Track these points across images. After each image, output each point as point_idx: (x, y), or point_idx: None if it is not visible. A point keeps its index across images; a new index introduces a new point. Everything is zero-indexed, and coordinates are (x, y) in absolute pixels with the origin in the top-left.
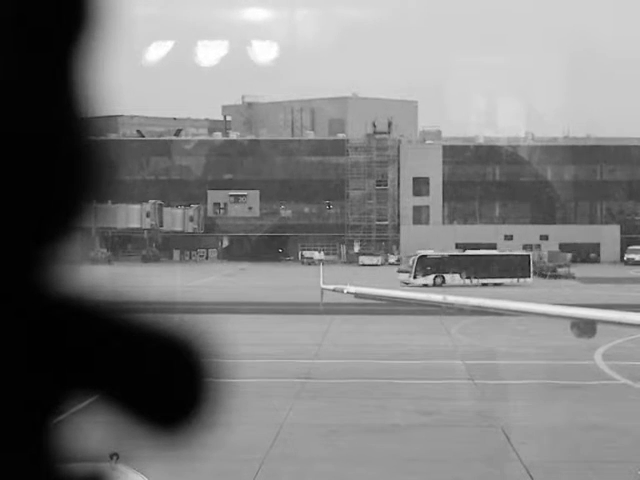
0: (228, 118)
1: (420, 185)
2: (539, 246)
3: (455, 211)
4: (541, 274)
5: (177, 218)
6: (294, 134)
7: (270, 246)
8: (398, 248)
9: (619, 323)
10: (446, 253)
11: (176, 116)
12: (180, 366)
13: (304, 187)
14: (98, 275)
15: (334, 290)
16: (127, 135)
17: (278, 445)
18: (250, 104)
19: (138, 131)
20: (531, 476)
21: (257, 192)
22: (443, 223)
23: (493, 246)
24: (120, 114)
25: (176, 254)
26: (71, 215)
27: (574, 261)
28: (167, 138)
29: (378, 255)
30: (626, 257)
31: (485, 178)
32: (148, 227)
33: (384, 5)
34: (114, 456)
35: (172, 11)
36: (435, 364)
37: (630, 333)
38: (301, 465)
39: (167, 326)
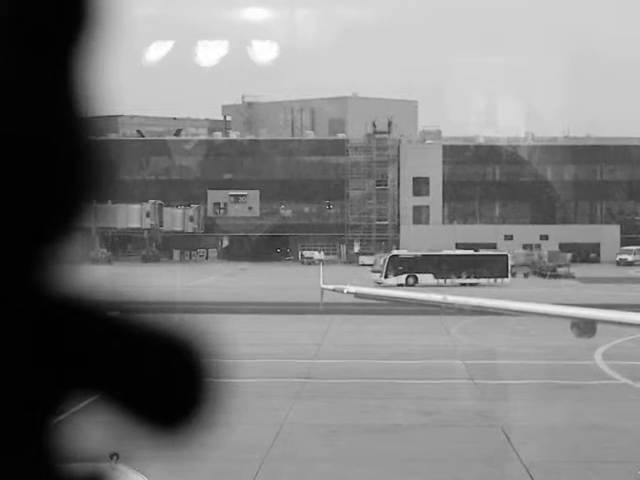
0: (228, 118)
1: (420, 185)
2: (539, 246)
3: (455, 211)
4: (541, 274)
5: (177, 218)
6: (294, 134)
7: (270, 246)
8: (398, 248)
9: (619, 323)
10: (419, 253)
11: (176, 116)
12: (180, 366)
13: (304, 187)
14: (98, 275)
15: (334, 290)
16: (127, 135)
17: (278, 445)
18: (250, 104)
19: (138, 131)
20: (531, 476)
21: (257, 192)
22: (443, 223)
23: (493, 246)
24: (120, 114)
25: (176, 254)
26: (71, 215)
27: (574, 261)
28: (167, 138)
29: None
30: (618, 258)
31: (485, 178)
32: (148, 227)
33: (384, 5)
34: (114, 456)
35: (172, 11)
36: (435, 364)
37: (630, 333)
38: (301, 465)
39: (167, 326)
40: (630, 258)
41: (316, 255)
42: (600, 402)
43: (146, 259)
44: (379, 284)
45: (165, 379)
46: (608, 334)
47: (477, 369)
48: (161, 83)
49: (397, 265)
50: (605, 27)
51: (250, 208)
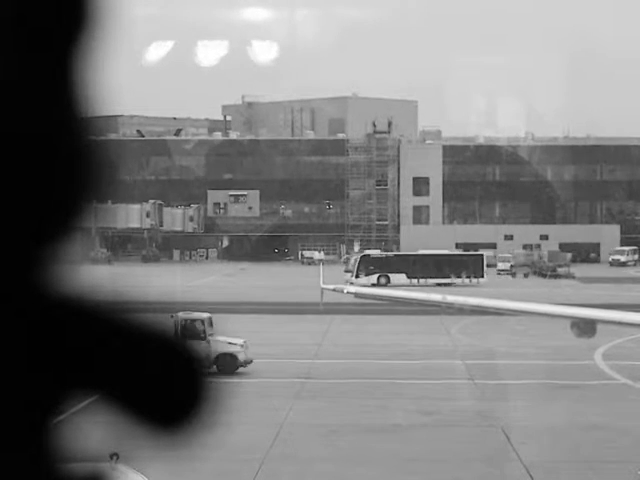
0: (228, 118)
1: (420, 185)
2: (539, 246)
3: (455, 211)
4: (541, 274)
5: (177, 218)
6: (294, 134)
7: (270, 246)
8: (398, 248)
9: (619, 323)
10: (391, 253)
11: (176, 116)
12: (180, 366)
13: (304, 187)
14: (98, 275)
15: (334, 290)
16: (127, 135)
17: (278, 445)
18: (250, 104)
19: (138, 131)
20: (531, 476)
21: (257, 192)
22: (443, 223)
23: (493, 246)
24: (120, 114)
25: (176, 254)
26: (71, 215)
27: (574, 261)
28: (167, 138)
29: None
30: (611, 258)
31: (485, 178)
32: (148, 227)
33: (384, 5)
34: (114, 456)
35: (172, 11)
36: (435, 364)
37: (630, 333)
38: (301, 465)
39: (167, 326)
40: (623, 259)
41: (316, 255)
42: (600, 402)
43: (146, 259)
44: (351, 284)
45: (165, 379)
46: (608, 334)
47: (477, 369)
48: (161, 83)
49: (368, 265)
50: (605, 27)
51: (250, 208)
